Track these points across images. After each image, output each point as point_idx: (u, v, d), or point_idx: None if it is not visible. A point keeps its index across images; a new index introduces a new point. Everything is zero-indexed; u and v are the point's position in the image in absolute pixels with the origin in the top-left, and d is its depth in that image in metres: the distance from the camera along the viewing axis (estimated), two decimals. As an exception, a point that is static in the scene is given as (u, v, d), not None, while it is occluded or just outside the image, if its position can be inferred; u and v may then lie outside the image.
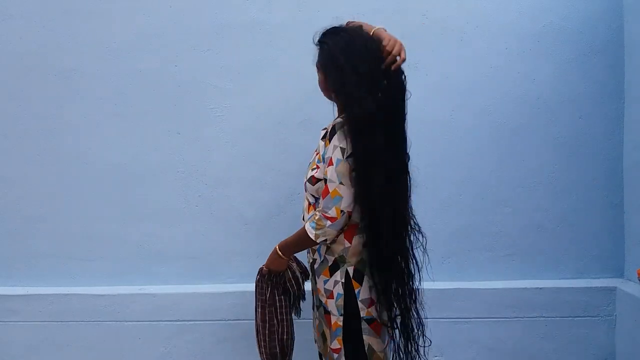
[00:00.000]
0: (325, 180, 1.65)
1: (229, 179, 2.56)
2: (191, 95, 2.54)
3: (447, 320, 2.49)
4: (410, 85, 2.48)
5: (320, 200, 1.66)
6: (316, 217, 1.66)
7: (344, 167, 1.61)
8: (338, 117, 1.72)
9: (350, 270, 1.72)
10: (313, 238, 1.67)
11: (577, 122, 2.51)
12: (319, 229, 1.65)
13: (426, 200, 2.53)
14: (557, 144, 2.51)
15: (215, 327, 2.52)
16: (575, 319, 2.49)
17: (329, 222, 1.64)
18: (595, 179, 2.52)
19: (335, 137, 1.63)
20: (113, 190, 2.58)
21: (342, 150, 1.61)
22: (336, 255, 1.73)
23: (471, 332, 2.51)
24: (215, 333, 2.52)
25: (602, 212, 2.52)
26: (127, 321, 2.53)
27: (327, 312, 1.76)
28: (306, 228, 1.68)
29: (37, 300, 2.54)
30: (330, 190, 1.62)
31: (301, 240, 1.72)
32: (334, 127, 1.64)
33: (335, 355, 1.75)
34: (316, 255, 1.79)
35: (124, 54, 2.53)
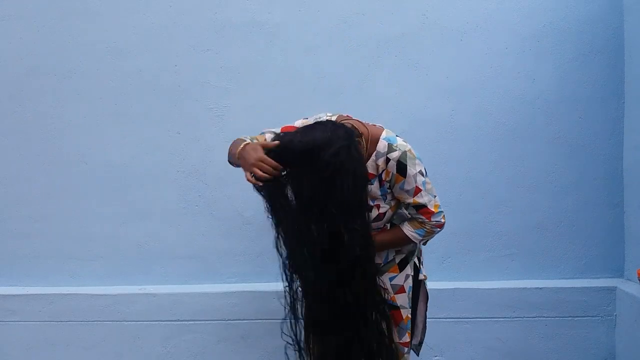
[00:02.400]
0: (415, 207, 1.70)
1: (229, 179, 2.55)
2: (191, 95, 2.54)
3: (447, 320, 2.49)
4: (410, 85, 2.51)
5: (427, 221, 1.72)
6: (426, 227, 1.72)
7: (429, 183, 1.71)
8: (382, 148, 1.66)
9: (416, 260, 1.86)
10: (418, 242, 1.76)
11: (577, 122, 2.51)
12: (428, 235, 1.75)
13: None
14: (557, 144, 2.51)
15: (215, 327, 2.52)
16: (575, 319, 2.48)
17: (438, 229, 1.75)
18: (595, 179, 2.52)
19: (408, 168, 1.65)
20: (113, 190, 2.58)
21: (421, 172, 1.68)
22: (406, 252, 1.82)
23: (471, 332, 2.51)
24: (215, 333, 2.52)
25: (602, 212, 2.52)
26: (126, 321, 2.53)
27: (396, 308, 1.79)
28: (411, 235, 1.73)
29: (37, 300, 2.54)
30: (432, 208, 1.70)
31: (398, 243, 1.77)
32: (399, 161, 1.64)
33: (406, 349, 1.82)
34: (380, 259, 1.79)
35: (124, 54, 2.53)
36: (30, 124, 2.57)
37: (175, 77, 2.53)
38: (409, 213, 1.75)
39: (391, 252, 1.80)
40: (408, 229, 1.73)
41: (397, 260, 1.80)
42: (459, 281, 2.54)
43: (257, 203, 2.62)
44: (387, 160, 1.64)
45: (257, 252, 2.56)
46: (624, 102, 2.49)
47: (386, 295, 1.75)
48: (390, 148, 1.64)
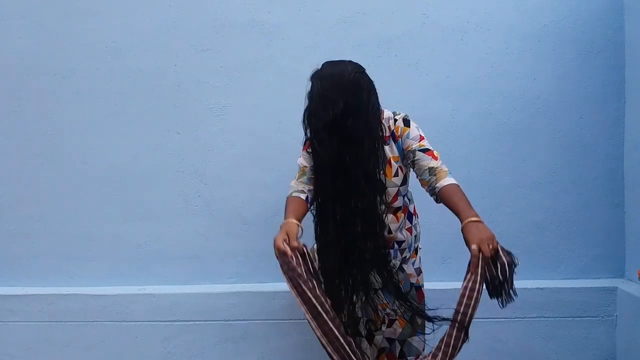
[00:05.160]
0: (422, 150, 1.87)
1: (228, 179, 2.56)
2: (191, 95, 2.54)
3: (447, 320, 2.48)
4: (410, 85, 2.51)
5: (435, 161, 1.86)
6: (445, 168, 1.85)
7: None
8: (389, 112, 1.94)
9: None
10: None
11: (577, 122, 2.51)
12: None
13: (426, 200, 2.53)
14: (557, 144, 2.51)
15: (215, 327, 2.52)
16: (576, 319, 2.48)
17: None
18: (595, 179, 2.52)
19: (411, 122, 1.91)
20: (113, 190, 2.58)
21: (419, 128, 1.92)
22: (418, 235, 2.06)
23: (471, 332, 2.50)
24: (215, 333, 2.52)
25: (603, 212, 2.52)
26: (126, 321, 2.53)
27: (419, 288, 2.03)
28: (454, 181, 1.82)
29: (37, 300, 2.54)
30: (435, 153, 1.87)
31: (462, 192, 1.81)
32: (404, 118, 1.91)
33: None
34: (405, 246, 1.98)
35: (123, 54, 2.53)
36: (30, 124, 2.57)
37: (175, 77, 2.53)
38: (417, 166, 1.87)
39: (414, 241, 2.01)
40: (450, 180, 1.81)
41: (415, 245, 2.02)
42: (459, 281, 2.48)
43: (256, 203, 2.65)
44: (395, 120, 1.91)
45: (257, 252, 2.56)
46: (624, 102, 2.49)
47: (412, 279, 1.99)
48: (395, 113, 1.93)
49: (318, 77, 1.85)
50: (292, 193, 1.88)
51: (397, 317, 1.98)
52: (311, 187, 1.88)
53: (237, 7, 2.51)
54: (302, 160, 1.96)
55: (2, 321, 2.55)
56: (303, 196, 1.86)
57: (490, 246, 1.59)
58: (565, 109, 2.50)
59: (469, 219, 1.65)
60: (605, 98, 2.49)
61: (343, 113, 1.76)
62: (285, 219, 1.79)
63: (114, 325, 2.53)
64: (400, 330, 2.00)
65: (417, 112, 2.49)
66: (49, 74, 2.55)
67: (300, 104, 2.47)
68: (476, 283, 1.61)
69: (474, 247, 1.59)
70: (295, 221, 1.76)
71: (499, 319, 2.49)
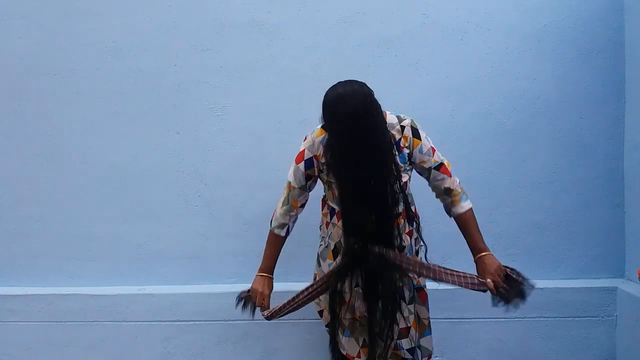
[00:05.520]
0: (436, 167, 1.88)
1: (228, 179, 2.56)
2: (191, 95, 2.54)
3: (447, 320, 2.49)
4: (410, 85, 2.51)
5: (450, 178, 1.89)
6: (461, 189, 1.89)
7: None
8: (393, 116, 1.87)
9: None
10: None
11: (578, 122, 2.51)
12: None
13: (426, 200, 2.53)
14: (557, 144, 2.51)
15: (214, 327, 2.52)
16: (576, 319, 2.48)
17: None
18: (595, 179, 2.52)
19: (419, 132, 1.87)
20: (113, 191, 2.58)
21: (427, 135, 1.88)
22: (420, 236, 2.01)
23: (471, 332, 2.51)
24: (214, 333, 2.52)
25: (603, 212, 2.52)
26: (126, 321, 2.53)
27: (422, 288, 2.02)
28: (469, 206, 1.89)
29: (37, 300, 2.54)
30: (447, 164, 1.89)
31: (475, 221, 1.91)
32: (411, 127, 1.85)
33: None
34: (405, 250, 1.95)
35: (123, 54, 2.53)
36: (30, 124, 2.57)
37: (175, 77, 2.53)
38: (432, 184, 1.90)
39: (415, 244, 1.99)
40: (465, 206, 1.88)
41: (415, 249, 1.99)
42: (459, 281, 2.53)
43: (256, 203, 2.65)
44: (402, 128, 1.84)
45: (257, 252, 2.53)
46: (624, 102, 2.49)
47: (414, 281, 1.97)
48: (399, 118, 1.86)
49: (336, 122, 1.76)
50: (274, 228, 1.99)
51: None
52: (294, 213, 1.97)
53: (237, 7, 2.51)
54: (291, 175, 1.92)
55: (2, 321, 2.55)
56: (283, 233, 1.98)
57: (500, 275, 1.85)
58: (565, 109, 2.50)
59: (480, 254, 1.89)
60: (605, 98, 2.49)
61: (368, 170, 1.73)
62: (261, 266, 2.02)
63: (114, 325, 2.53)
64: None
65: (417, 112, 2.48)
66: (49, 74, 2.55)
67: (300, 104, 2.50)
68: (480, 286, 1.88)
69: (489, 281, 1.84)
70: (268, 276, 2.00)
71: (499, 319, 2.49)
